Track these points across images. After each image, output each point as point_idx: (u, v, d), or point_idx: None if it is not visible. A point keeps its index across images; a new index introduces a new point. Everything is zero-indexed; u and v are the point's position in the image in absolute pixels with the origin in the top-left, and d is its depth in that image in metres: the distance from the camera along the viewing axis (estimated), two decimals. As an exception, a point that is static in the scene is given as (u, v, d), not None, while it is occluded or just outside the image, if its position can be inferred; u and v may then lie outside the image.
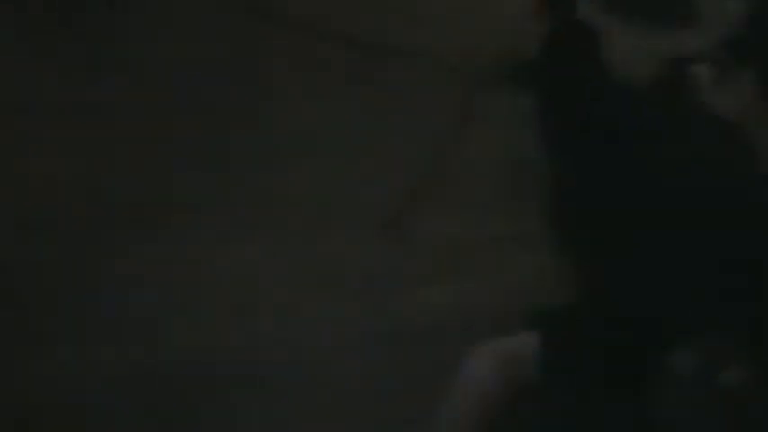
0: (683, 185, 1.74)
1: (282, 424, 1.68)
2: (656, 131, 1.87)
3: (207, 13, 2.62)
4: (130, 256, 1.99)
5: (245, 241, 2.03)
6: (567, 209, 1.94)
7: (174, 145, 2.27)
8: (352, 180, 2.20)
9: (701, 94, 1.92)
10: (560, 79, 2.14)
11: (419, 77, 2.41)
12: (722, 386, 1.50)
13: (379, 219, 2.10)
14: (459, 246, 2.05)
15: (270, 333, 1.85)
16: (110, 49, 2.49)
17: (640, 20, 2.43)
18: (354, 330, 1.86)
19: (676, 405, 1.51)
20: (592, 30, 2.11)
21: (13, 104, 2.29)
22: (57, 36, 2.50)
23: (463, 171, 2.21)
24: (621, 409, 1.54)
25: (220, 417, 1.68)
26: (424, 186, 2.18)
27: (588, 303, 1.70)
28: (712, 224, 1.67)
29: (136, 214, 2.09)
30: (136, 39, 2.55)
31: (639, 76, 2.06)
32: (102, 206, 2.12)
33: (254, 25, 2.57)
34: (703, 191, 1.74)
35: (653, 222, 1.70)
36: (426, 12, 2.57)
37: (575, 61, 2.13)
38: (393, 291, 1.96)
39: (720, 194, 1.73)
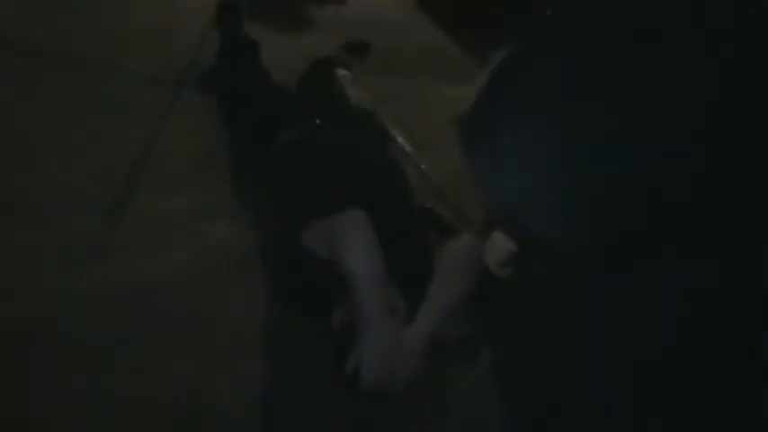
0: (343, 159, 2.13)
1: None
2: (309, 118, 2.32)
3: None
4: None
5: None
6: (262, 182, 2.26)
7: None
8: (78, 172, 2.32)
9: (342, 91, 2.45)
10: (232, 82, 2.61)
11: (124, 86, 2.66)
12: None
13: (100, 202, 2.23)
14: (165, 219, 2.22)
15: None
16: None
17: (280, 25, 3.01)
18: (83, 296, 1.96)
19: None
20: (254, 41, 2.69)
21: None
22: None
23: (163, 160, 2.43)
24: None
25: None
26: (135, 173, 2.35)
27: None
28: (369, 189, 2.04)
29: None
30: None
31: (289, 73, 2.59)
32: None
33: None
34: (358, 163, 2.13)
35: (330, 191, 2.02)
36: (123, 32, 2.84)
37: (243, 66, 2.63)
38: (110, 260, 2.08)
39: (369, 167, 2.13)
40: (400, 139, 2.42)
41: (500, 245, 2.19)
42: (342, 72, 2.46)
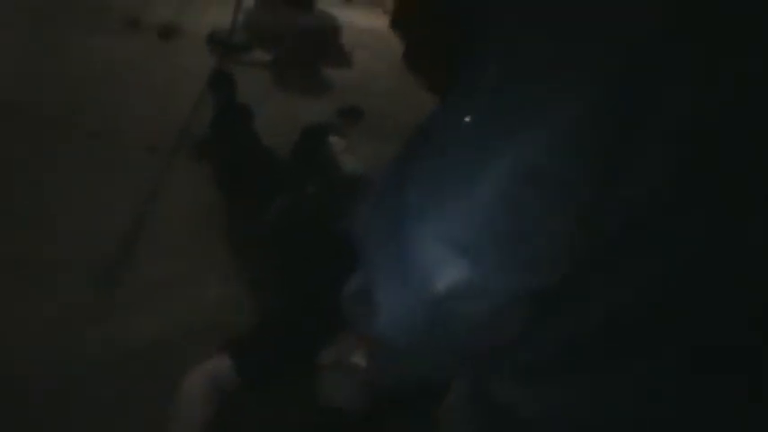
0: (326, 226, 2.10)
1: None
2: (301, 186, 2.34)
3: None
4: None
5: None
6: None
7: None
8: (77, 235, 2.36)
9: (334, 158, 2.48)
10: (227, 148, 2.65)
11: (122, 152, 2.71)
12: None
13: (97, 264, 2.27)
14: (162, 281, 2.26)
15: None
16: None
17: (273, 91, 3.07)
18: (81, 356, 1.98)
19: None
20: (247, 108, 2.73)
21: None
22: None
23: (160, 224, 2.48)
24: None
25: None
26: (132, 236, 2.40)
27: (267, 326, 1.96)
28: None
29: None
30: None
31: (283, 139, 2.61)
32: None
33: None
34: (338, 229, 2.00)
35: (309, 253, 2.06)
36: (116, 101, 2.90)
37: (235, 134, 2.66)
38: (107, 321, 2.09)
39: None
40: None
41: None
42: (334, 139, 2.49)
